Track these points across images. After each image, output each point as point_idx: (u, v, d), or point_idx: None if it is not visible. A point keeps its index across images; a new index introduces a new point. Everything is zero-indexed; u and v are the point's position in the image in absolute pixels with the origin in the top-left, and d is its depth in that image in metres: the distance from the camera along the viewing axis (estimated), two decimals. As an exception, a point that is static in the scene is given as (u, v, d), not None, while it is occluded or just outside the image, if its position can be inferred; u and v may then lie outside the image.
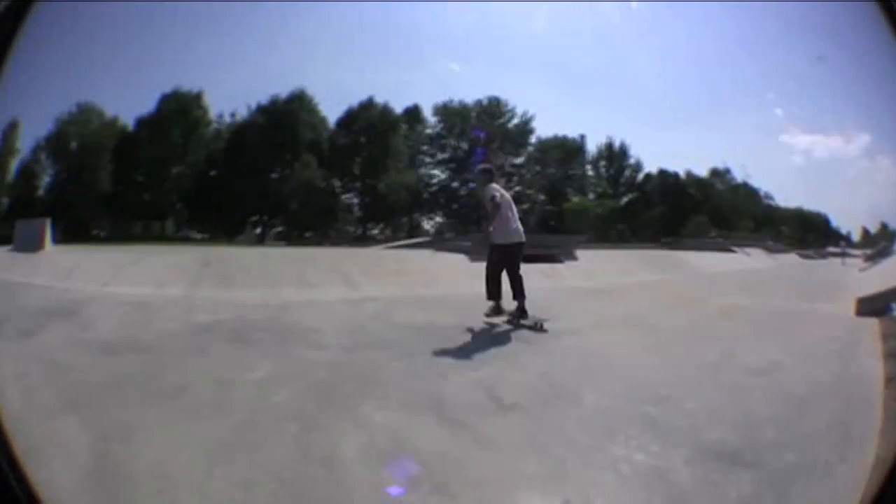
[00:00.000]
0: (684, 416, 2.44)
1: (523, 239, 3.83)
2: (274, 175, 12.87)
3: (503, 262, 3.77)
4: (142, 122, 13.24)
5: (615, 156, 15.08)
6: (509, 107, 13.95)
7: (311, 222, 12.69)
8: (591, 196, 14.98)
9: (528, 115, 13.87)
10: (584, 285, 7.46)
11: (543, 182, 14.35)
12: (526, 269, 6.67)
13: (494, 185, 4.04)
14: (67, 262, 10.43)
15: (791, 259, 14.52)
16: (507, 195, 4.04)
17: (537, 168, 14.20)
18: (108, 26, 12.06)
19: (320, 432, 2.36)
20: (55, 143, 13.70)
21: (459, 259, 9.26)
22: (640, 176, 15.05)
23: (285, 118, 12.93)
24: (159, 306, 6.22)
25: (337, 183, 13.19)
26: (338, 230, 13.70)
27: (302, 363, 3.57)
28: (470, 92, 15.14)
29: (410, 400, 2.76)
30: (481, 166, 4.35)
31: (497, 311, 3.88)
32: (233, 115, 13.67)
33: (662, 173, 15.30)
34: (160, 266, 8.45)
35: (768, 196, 16.03)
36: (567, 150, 14.65)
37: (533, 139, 14.11)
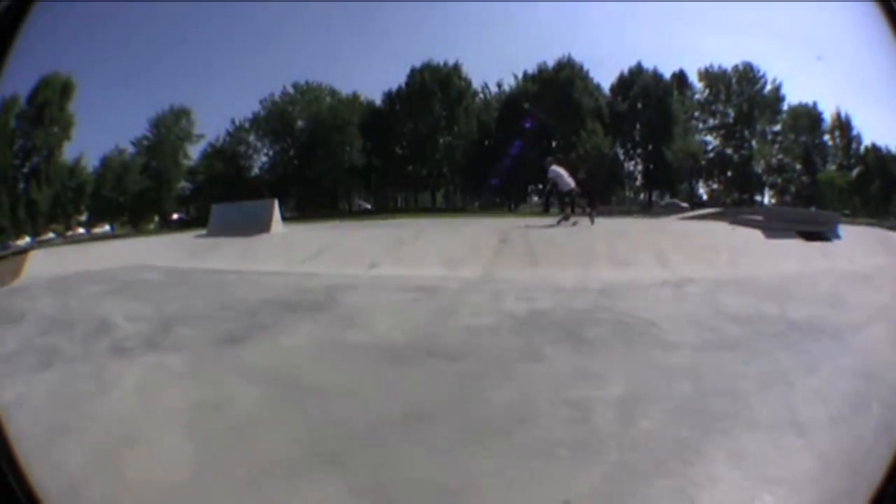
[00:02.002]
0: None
1: (574, 188, 12.09)
2: (554, 143, 17.40)
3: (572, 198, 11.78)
4: (393, 97, 17.96)
5: (843, 126, 19.76)
6: (761, 73, 19.17)
7: (598, 190, 16.73)
8: (832, 167, 20.11)
9: (778, 82, 19.10)
10: (853, 269, 9.21)
11: (798, 151, 19.30)
12: (803, 248, 9.94)
13: (554, 169, 12.38)
14: (311, 241, 11.17)
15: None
16: (562, 171, 12.16)
17: (791, 136, 19.38)
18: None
19: (704, 472, 2.88)
20: (271, 123, 18.76)
21: (755, 235, 11.00)
22: (862, 149, 20.18)
23: (560, 86, 17.40)
24: (456, 292, 7.15)
25: (619, 150, 18.12)
26: (620, 198, 18.85)
27: (657, 371, 4.47)
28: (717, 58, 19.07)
29: (781, 423, 3.58)
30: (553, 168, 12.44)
31: (566, 219, 11.46)
32: (499, 84, 18.64)
33: (875, 148, 20.10)
34: (447, 241, 9.88)
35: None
36: (812, 119, 19.46)
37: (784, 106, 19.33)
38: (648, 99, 18.52)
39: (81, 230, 22.02)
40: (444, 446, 3.29)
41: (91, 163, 20.88)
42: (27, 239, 22.87)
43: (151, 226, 20.72)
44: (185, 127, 19.88)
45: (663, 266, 8.60)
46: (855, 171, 21.61)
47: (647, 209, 17.28)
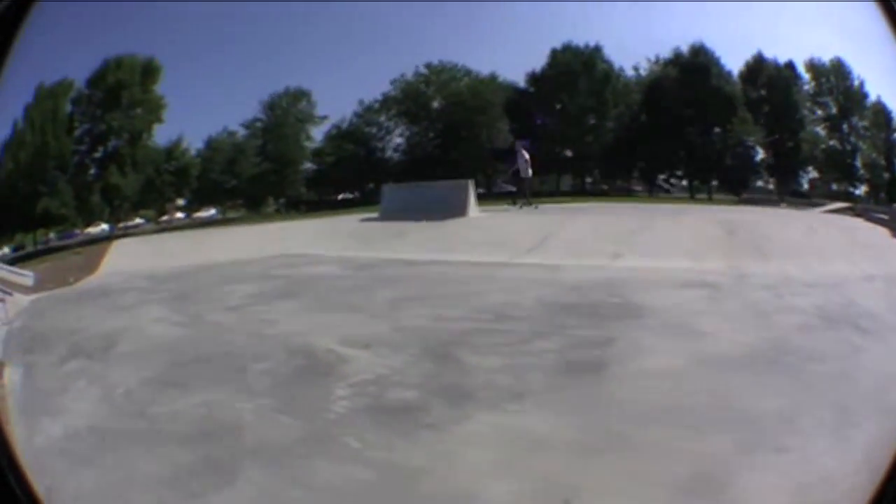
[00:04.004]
0: None
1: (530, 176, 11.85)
2: (690, 128, 16.71)
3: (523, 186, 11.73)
4: (537, 77, 16.38)
5: (903, 124, 19.31)
6: (849, 68, 18.27)
7: (743, 178, 17.23)
8: (900, 166, 18.82)
9: (861, 78, 18.23)
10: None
11: (882, 147, 18.34)
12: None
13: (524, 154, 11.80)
14: (520, 228, 10.04)
15: None
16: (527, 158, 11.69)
17: (875, 132, 18.43)
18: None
19: None
20: (405, 104, 17.04)
21: (884, 233, 10.69)
22: (915, 148, 19.73)
23: (697, 71, 16.55)
24: (741, 288, 6.30)
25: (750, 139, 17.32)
26: (751, 186, 17.91)
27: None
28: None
29: None
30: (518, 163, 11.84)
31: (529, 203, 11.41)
32: (635, 68, 17.33)
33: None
34: (673, 232, 9.11)
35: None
36: (886, 116, 18.34)
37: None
38: (774, 88, 17.83)
39: (180, 215, 19.33)
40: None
41: (193, 146, 18.48)
42: (104, 227, 20.06)
43: (270, 209, 18.37)
44: (305, 108, 17.76)
45: (850, 263, 8.08)
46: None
47: (780, 199, 16.66)
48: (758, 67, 17.92)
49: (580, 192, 16.50)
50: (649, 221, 10.04)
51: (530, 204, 11.97)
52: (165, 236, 16.78)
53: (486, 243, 8.91)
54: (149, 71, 18.44)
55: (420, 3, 16.87)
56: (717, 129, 17.08)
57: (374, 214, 12.26)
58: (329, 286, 7.35)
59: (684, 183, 17.85)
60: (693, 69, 16.91)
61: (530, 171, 11.92)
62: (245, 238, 13.40)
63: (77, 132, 19.21)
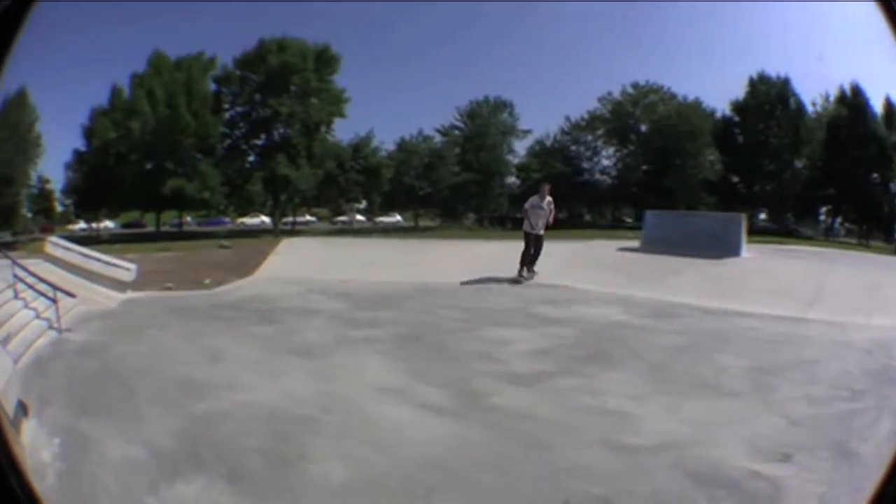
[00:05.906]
0: None
1: (538, 232, 8.49)
2: (860, 171, 16.95)
3: (528, 243, 8.45)
4: (739, 107, 16.82)
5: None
6: None
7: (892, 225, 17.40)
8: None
9: None
10: None
11: None
12: None
13: (530, 201, 8.61)
14: (788, 272, 8.87)
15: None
16: (531, 204, 8.54)
17: None
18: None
19: None
20: (614, 123, 17.35)
21: None
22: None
23: (860, 112, 16.99)
24: None
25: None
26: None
27: None
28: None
29: None
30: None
31: (522, 273, 8.42)
32: (813, 104, 17.75)
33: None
34: (890, 289, 8.41)
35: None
36: None
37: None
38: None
39: (360, 217, 18.78)
40: None
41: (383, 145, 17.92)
42: (263, 219, 19.10)
43: (467, 222, 18.22)
44: (507, 120, 17.61)
45: None
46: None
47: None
48: (891, 111, 18.18)
49: (775, 231, 16.66)
50: (876, 274, 9.74)
51: (530, 275, 8.89)
52: (351, 240, 14.85)
53: (767, 291, 7.95)
54: (325, 59, 16.70)
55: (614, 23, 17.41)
56: (873, 175, 17.48)
57: (620, 243, 11.31)
58: (641, 342, 5.59)
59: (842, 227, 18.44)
60: (857, 109, 17.30)
61: (541, 225, 8.70)
62: (465, 254, 11.13)
63: (228, 114, 18.08)
